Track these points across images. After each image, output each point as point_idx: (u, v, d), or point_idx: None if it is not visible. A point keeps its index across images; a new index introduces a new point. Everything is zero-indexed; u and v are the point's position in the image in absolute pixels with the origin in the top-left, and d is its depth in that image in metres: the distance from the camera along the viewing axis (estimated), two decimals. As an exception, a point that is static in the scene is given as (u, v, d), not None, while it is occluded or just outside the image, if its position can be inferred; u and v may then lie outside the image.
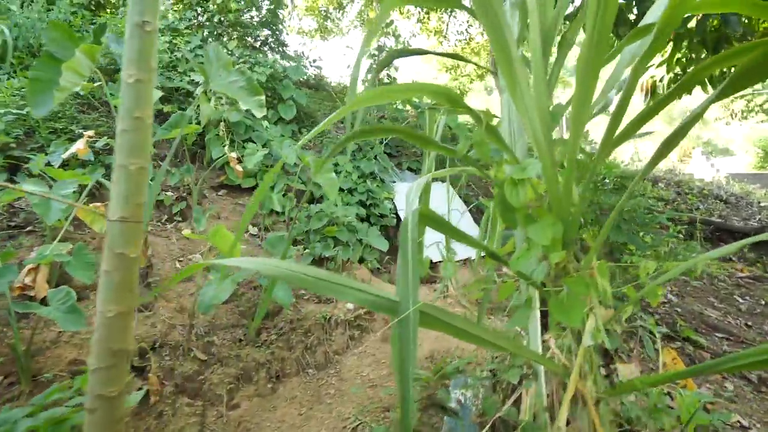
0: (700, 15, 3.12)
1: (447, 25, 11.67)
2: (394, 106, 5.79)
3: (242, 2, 5.71)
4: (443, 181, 4.08)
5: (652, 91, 4.33)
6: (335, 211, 3.50)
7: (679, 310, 3.59)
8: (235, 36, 5.80)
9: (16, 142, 2.93)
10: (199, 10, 5.48)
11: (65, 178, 2.29)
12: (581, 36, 1.32)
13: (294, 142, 4.24)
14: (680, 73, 3.98)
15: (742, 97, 11.39)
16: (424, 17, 11.29)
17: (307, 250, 3.28)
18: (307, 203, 3.82)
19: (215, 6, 5.48)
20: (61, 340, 2.15)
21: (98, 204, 2.19)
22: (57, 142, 2.75)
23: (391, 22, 8.78)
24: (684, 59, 3.86)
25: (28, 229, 2.63)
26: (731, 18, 2.90)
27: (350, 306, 2.90)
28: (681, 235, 4.22)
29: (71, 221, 2.33)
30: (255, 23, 6.02)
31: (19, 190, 1.75)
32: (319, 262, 3.32)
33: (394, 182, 4.82)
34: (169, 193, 3.38)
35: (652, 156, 1.22)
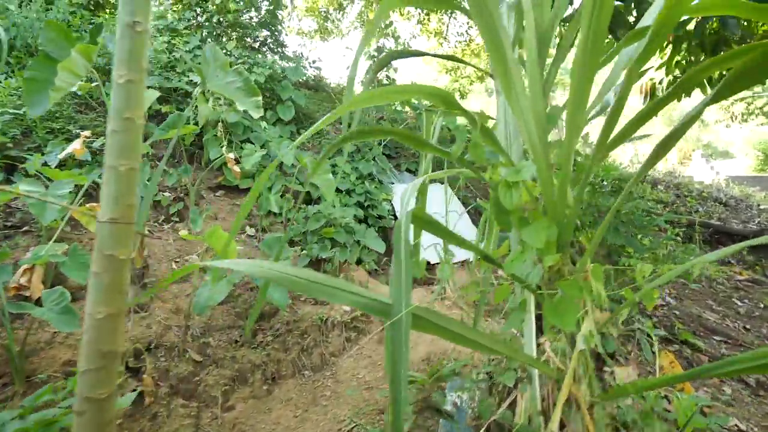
0: (699, 18, 3.12)
1: (447, 26, 11.67)
2: (393, 107, 5.79)
3: (241, 3, 5.71)
4: (442, 182, 4.08)
5: (652, 93, 4.33)
6: (333, 212, 3.50)
7: (677, 312, 3.58)
8: (234, 36, 5.80)
9: (13, 141, 2.93)
10: (198, 10, 5.48)
11: (61, 178, 2.29)
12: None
13: (292, 143, 4.23)
14: (680, 75, 3.98)
15: (742, 99, 11.38)
16: (424, 19, 11.29)
17: (304, 252, 3.27)
18: (304, 204, 3.82)
19: (214, 6, 5.48)
20: (55, 341, 2.14)
21: (94, 204, 2.18)
22: (54, 142, 2.75)
23: (391, 23, 8.78)
24: (684, 62, 3.85)
25: (24, 229, 2.62)
26: (729, 21, 2.90)
27: (347, 308, 2.89)
28: (679, 238, 4.21)
29: (67, 221, 2.33)
30: (254, 24, 6.03)
31: (14, 191, 1.74)
32: (316, 263, 3.31)
33: (393, 183, 4.82)
34: (167, 194, 3.37)
35: (647, 158, 1.22)
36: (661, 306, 3.68)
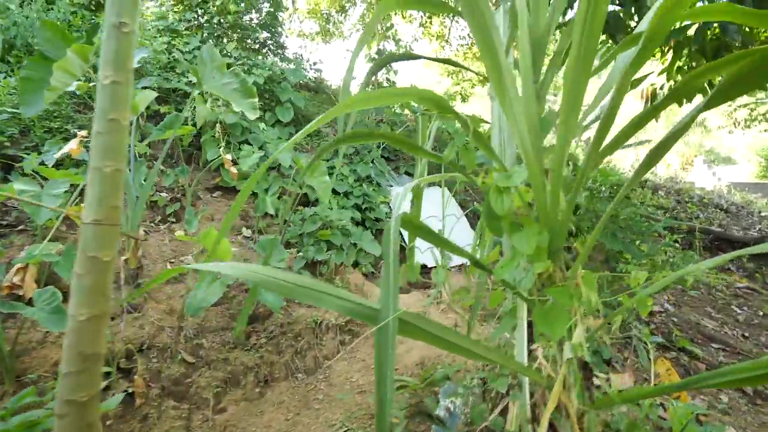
0: (699, 23, 3.11)
1: (449, 29, 11.69)
2: (393, 110, 5.78)
3: (242, 4, 5.72)
4: (440, 185, 4.07)
5: (653, 98, 4.31)
6: (329, 214, 3.49)
7: (675, 319, 3.56)
8: (234, 38, 5.81)
9: (10, 140, 2.93)
10: (200, 11, 5.49)
11: (57, 177, 2.29)
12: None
13: (291, 144, 4.22)
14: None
15: (745, 105, 11.37)
16: (426, 21, 11.30)
17: (300, 254, 3.26)
18: (301, 206, 3.81)
19: (215, 8, 5.50)
20: (47, 341, 2.13)
21: (89, 204, 2.18)
22: (51, 142, 2.74)
23: (392, 26, 8.79)
24: (685, 67, 3.84)
25: (19, 228, 2.62)
26: (729, 26, 2.89)
27: (342, 310, 2.87)
28: (678, 244, 4.19)
29: (63, 221, 2.32)
30: (254, 25, 6.04)
31: (6, 192, 1.74)
32: (312, 265, 3.30)
33: (391, 186, 4.81)
34: (164, 194, 3.37)
35: (640, 164, 1.20)
36: (659, 313, 3.66)
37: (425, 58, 2.03)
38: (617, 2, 3.28)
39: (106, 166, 0.91)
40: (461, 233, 4.05)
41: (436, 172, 2.07)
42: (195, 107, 3.12)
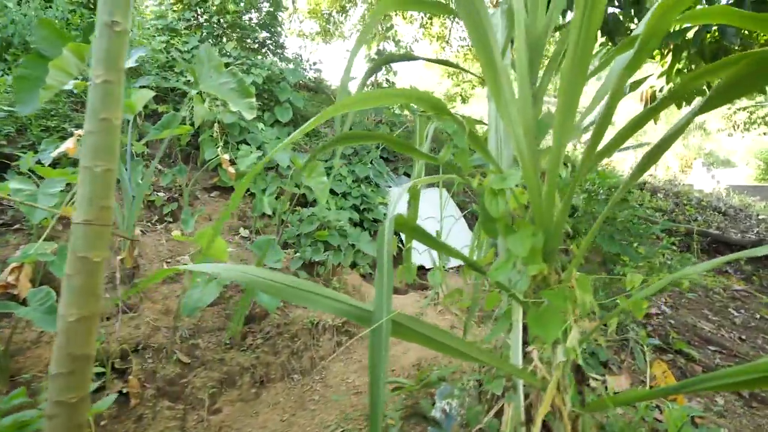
0: (698, 26, 3.11)
1: (450, 30, 11.68)
2: (392, 110, 5.78)
3: (241, 4, 5.72)
4: (439, 187, 4.06)
5: (652, 101, 4.31)
6: (327, 215, 3.48)
7: (672, 322, 3.56)
8: (234, 37, 5.80)
9: (7, 139, 2.92)
10: (199, 10, 5.48)
11: (53, 176, 2.28)
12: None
13: (289, 144, 4.22)
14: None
15: (744, 109, 11.37)
16: (426, 22, 11.30)
17: (297, 254, 3.25)
18: (299, 207, 3.80)
19: (214, 7, 5.49)
20: (42, 341, 2.12)
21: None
22: (48, 140, 2.73)
23: (391, 26, 8.79)
24: (685, 70, 3.84)
25: (15, 227, 2.61)
26: (728, 29, 2.89)
27: (339, 311, 2.87)
28: (675, 247, 4.19)
29: (59, 220, 2.32)
30: (253, 25, 6.03)
31: (1, 193, 1.74)
32: (309, 266, 3.29)
33: (390, 187, 4.81)
34: (161, 194, 3.36)
35: (635, 167, 1.20)
36: (656, 315, 3.66)
37: (423, 59, 2.02)
38: (617, 4, 3.28)
39: (96, 166, 0.90)
40: (459, 234, 4.05)
41: (435, 173, 2.07)
42: (193, 107, 3.11)
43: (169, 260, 2.85)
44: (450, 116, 1.31)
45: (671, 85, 4.03)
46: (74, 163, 2.96)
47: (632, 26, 3.27)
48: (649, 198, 7.17)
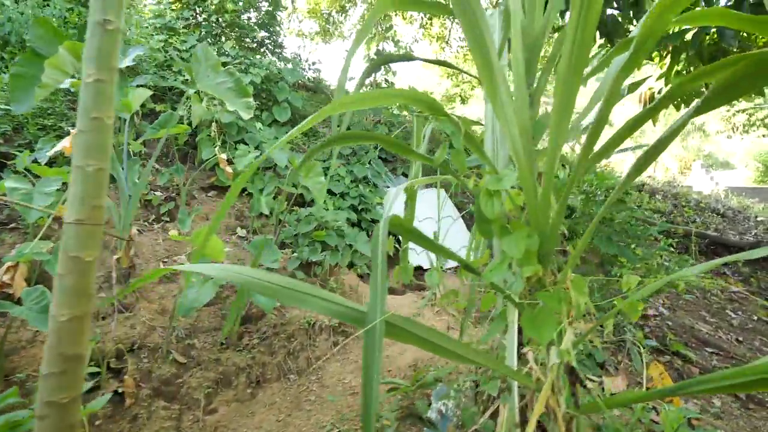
0: (696, 28, 3.11)
1: (449, 31, 11.68)
2: (390, 111, 5.78)
3: (240, 3, 5.71)
4: (437, 187, 4.06)
5: (651, 102, 4.31)
6: (325, 215, 3.48)
7: (670, 323, 3.56)
8: (232, 37, 5.79)
9: (3, 138, 2.92)
10: (198, 9, 5.47)
11: (49, 175, 2.28)
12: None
13: (286, 144, 4.22)
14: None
15: (743, 111, 11.38)
16: (426, 23, 11.30)
17: (295, 254, 3.25)
18: (297, 207, 3.80)
19: (213, 6, 5.48)
20: (37, 340, 2.11)
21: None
22: (45, 139, 2.73)
23: (390, 26, 8.78)
24: (684, 72, 3.85)
25: (11, 225, 2.60)
26: (726, 32, 2.89)
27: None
28: (673, 248, 4.19)
29: (55, 219, 2.31)
30: (252, 24, 6.02)
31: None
32: (306, 266, 3.29)
33: (388, 187, 4.80)
34: (158, 193, 3.35)
35: (630, 169, 1.20)
36: (654, 316, 3.66)
37: (421, 59, 2.02)
38: (616, 6, 3.28)
39: (88, 165, 0.90)
40: (457, 235, 4.05)
41: (433, 174, 2.06)
42: (191, 106, 3.11)
43: (165, 260, 2.84)
44: (446, 117, 1.31)
45: (670, 86, 4.02)
46: (71, 162, 2.96)
47: (631, 28, 3.27)
48: (648, 199, 7.18)
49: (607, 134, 1.23)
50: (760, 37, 3.65)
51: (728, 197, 10.08)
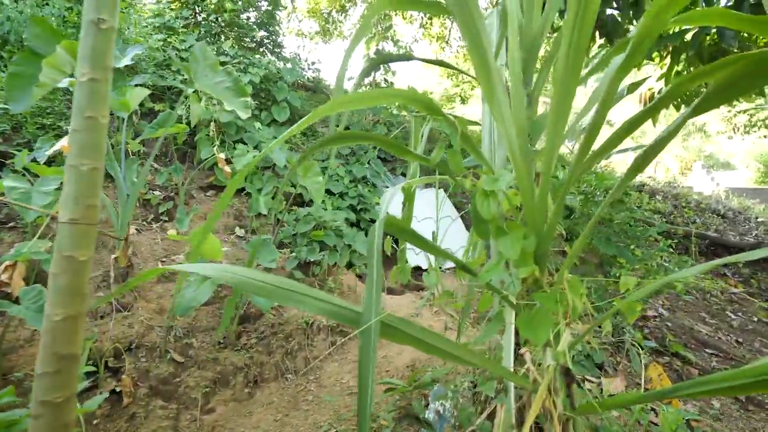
0: (696, 29, 3.11)
1: (449, 31, 11.67)
2: (390, 110, 5.78)
3: (239, 2, 5.70)
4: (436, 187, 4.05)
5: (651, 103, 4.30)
6: (323, 215, 3.47)
7: (669, 324, 3.55)
8: (232, 36, 5.79)
9: (2, 137, 2.92)
10: (197, 9, 5.47)
11: (48, 174, 2.28)
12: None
13: (285, 144, 4.22)
14: (681, 86, 3.96)
15: (744, 111, 11.36)
16: (426, 23, 11.29)
17: (293, 254, 3.24)
18: (295, 206, 3.79)
19: (212, 5, 5.48)
20: (35, 339, 2.11)
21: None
22: (44, 138, 2.72)
23: (390, 26, 8.78)
24: (684, 72, 3.84)
25: (10, 225, 2.60)
26: (726, 32, 2.88)
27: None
28: (672, 249, 4.18)
29: (54, 218, 2.31)
30: (251, 24, 6.01)
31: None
32: (305, 266, 3.28)
33: (387, 187, 4.80)
34: (157, 193, 3.35)
35: (628, 168, 1.19)
36: (653, 317, 3.65)
37: (419, 59, 2.01)
38: (615, 6, 3.28)
39: (82, 164, 0.89)
40: (456, 234, 4.04)
41: (432, 174, 2.06)
42: (189, 105, 3.10)
43: (164, 259, 2.84)
44: (443, 117, 1.30)
45: (668, 87, 4.02)
46: (70, 161, 2.96)
47: (631, 28, 3.27)
48: (648, 200, 7.17)
49: (607, 134, 1.23)
50: (761, 37, 3.64)
51: (729, 198, 10.06)
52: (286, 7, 8.97)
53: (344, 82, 1.63)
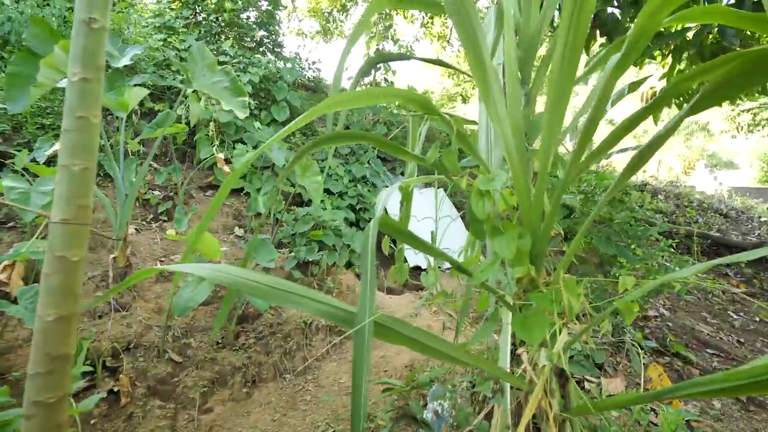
0: (697, 27, 3.09)
1: (451, 30, 11.65)
2: (389, 110, 5.77)
3: (239, 2, 5.70)
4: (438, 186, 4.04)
5: (652, 101, 4.28)
6: (322, 214, 3.47)
7: (670, 324, 3.54)
8: (232, 36, 5.79)
9: (2, 137, 2.92)
10: (197, 9, 5.47)
11: (48, 174, 2.28)
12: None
13: (285, 144, 4.21)
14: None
15: (748, 110, 11.30)
16: (427, 22, 11.27)
17: (292, 254, 3.24)
18: (295, 206, 3.79)
19: (212, 5, 5.48)
20: (33, 339, 2.12)
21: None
22: (43, 138, 2.73)
23: (390, 25, 8.77)
24: (686, 71, 3.82)
25: (9, 225, 2.61)
26: (727, 30, 2.86)
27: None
28: (673, 249, 4.16)
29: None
30: (251, 23, 6.01)
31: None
32: (304, 266, 3.28)
33: (387, 187, 4.80)
34: (156, 192, 3.35)
35: (624, 169, 1.18)
36: (654, 317, 3.64)
37: (417, 58, 2.00)
38: (615, 4, 3.27)
39: (74, 165, 0.89)
40: (455, 234, 4.03)
41: (430, 173, 2.05)
42: (189, 105, 3.10)
43: (163, 259, 2.85)
44: (439, 116, 1.30)
45: (667, 85, 3.99)
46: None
47: (631, 26, 3.26)
48: (650, 199, 7.14)
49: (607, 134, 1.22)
50: (763, 35, 3.62)
51: (732, 197, 10.01)
52: (286, 7, 8.97)
53: (343, 82, 1.63)
